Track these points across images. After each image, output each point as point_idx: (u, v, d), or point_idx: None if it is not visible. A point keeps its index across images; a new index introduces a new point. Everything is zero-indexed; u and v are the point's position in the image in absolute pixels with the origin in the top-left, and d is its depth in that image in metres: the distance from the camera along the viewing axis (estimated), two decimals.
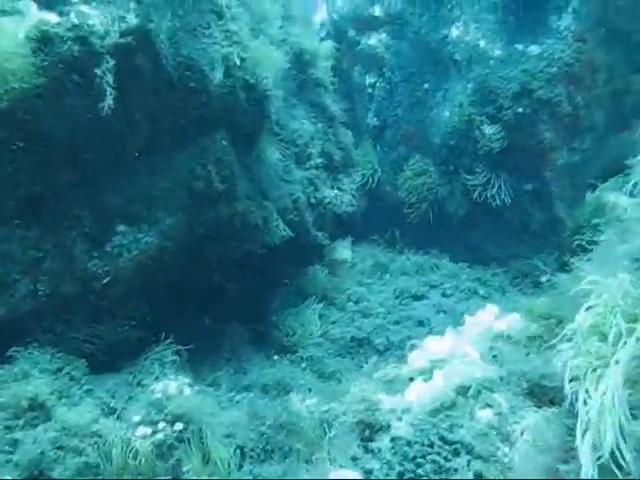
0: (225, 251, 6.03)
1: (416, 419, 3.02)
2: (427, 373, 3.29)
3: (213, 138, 5.58)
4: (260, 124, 5.99)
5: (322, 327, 6.75)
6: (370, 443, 3.07)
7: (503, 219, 8.29)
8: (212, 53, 5.22)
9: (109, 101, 4.58)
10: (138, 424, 4.13)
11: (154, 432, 4.10)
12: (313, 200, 7.06)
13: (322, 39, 8.56)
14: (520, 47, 7.38)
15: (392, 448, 2.99)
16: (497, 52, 7.49)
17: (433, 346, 3.45)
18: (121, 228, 5.27)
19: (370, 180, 8.76)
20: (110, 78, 4.53)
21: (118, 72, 4.61)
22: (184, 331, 5.83)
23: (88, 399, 4.33)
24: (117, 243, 5.26)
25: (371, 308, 7.07)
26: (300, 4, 7.42)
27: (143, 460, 4.01)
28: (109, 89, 4.51)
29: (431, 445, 2.85)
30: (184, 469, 4.07)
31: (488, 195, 8.05)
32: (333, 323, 6.86)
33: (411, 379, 3.35)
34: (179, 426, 4.17)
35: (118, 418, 4.21)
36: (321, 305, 6.97)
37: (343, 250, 7.69)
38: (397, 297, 7.34)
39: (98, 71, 4.51)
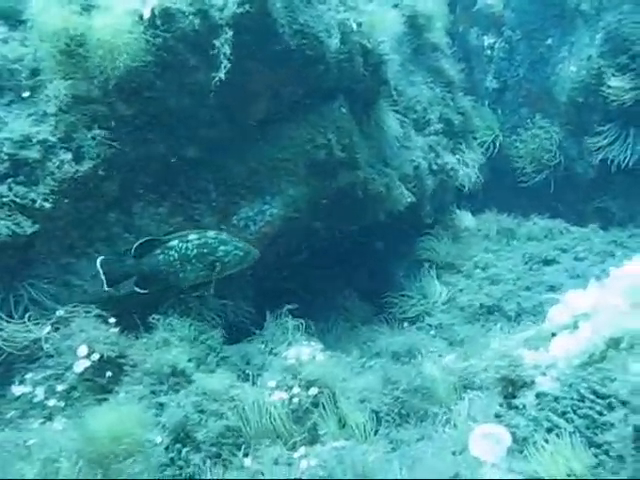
0: (349, 221, 6.01)
1: (563, 374, 2.85)
2: (571, 328, 3.10)
3: (331, 106, 5.54)
4: (378, 90, 5.90)
5: (449, 295, 6.58)
6: (513, 400, 2.94)
7: (638, 178, 7.76)
8: (328, 19, 5.18)
9: (222, 73, 4.63)
10: (274, 389, 4.19)
11: (290, 397, 4.14)
12: (435, 167, 6.89)
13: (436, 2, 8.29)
14: None
15: (538, 404, 2.84)
16: None
17: (575, 300, 3.25)
18: (246, 200, 5.37)
19: (491, 146, 8.45)
20: (228, 49, 4.58)
21: (236, 44, 4.65)
22: (310, 304, 5.89)
23: (224, 366, 4.44)
24: (243, 215, 5.36)
25: (499, 274, 6.82)
26: None
27: (280, 423, 4.07)
28: (225, 61, 4.56)
29: (581, 399, 2.68)
30: (321, 432, 4.09)
31: (621, 154, 7.54)
32: (460, 291, 6.67)
33: (553, 334, 3.17)
34: (314, 391, 4.19)
35: (254, 384, 4.28)
36: (447, 273, 6.80)
37: (466, 218, 7.47)
38: (526, 263, 7.03)
39: (217, 43, 4.57)
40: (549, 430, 2.72)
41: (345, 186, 5.73)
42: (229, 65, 4.61)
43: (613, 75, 7.04)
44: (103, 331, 4.34)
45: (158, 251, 4.85)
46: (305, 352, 4.32)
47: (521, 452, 2.74)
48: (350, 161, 5.67)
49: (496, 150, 8.33)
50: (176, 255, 4.89)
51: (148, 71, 4.47)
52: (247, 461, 3.94)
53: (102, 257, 4.68)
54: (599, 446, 2.55)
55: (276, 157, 5.41)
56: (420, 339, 5.59)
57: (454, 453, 2.93)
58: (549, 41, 7.80)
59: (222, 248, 4.99)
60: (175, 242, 4.88)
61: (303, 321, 5.04)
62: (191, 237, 4.92)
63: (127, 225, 4.91)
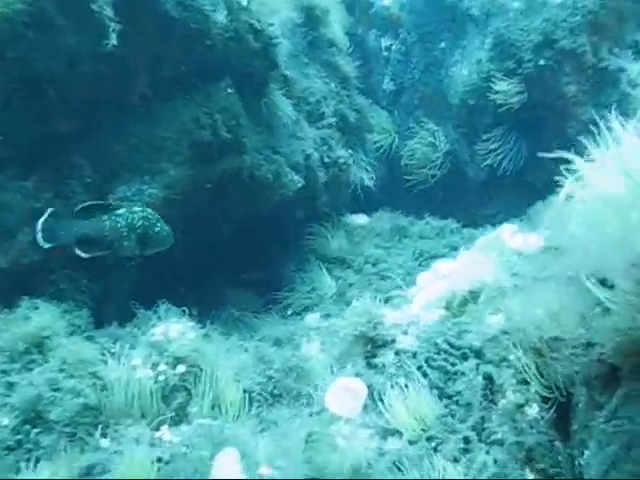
0: (234, 208, 5.85)
1: (422, 330, 2.78)
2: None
3: (218, 86, 5.40)
4: (268, 73, 5.79)
5: (338, 289, 6.52)
6: (373, 359, 2.84)
7: (525, 181, 7.97)
8: None
9: (113, 39, 4.42)
10: (139, 366, 3.95)
11: (156, 375, 3.91)
12: (327, 159, 6.83)
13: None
14: None
15: (397, 362, 2.76)
16: (516, 4, 7.19)
17: (443, 268, 3.21)
18: (123, 179, 5.12)
19: (387, 149, 8.50)
20: (110, 12, 4.36)
21: (116, 10, 4.45)
22: (191, 291, 5.67)
23: (88, 344, 4.15)
24: (120, 195, 5.11)
25: (389, 270, 6.81)
26: None
27: (144, 402, 3.83)
28: (112, 24, 4.35)
29: (438, 352, 2.61)
30: (189, 411, 3.88)
31: (510, 156, 7.74)
32: (350, 285, 6.62)
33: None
34: (181, 368, 3.98)
35: (119, 362, 4.01)
36: (338, 268, 6.73)
37: (360, 215, 7.45)
38: (417, 259, 7.06)
39: (95, 6, 4.35)
40: (405, 385, 2.63)
41: (230, 170, 5.57)
42: (118, 28, 4.39)
43: (500, 79, 7.22)
44: None
45: (105, 217, 4.75)
46: (174, 329, 4.11)
47: (376, 408, 2.63)
48: (236, 144, 5.53)
49: (392, 152, 8.37)
50: (123, 223, 4.80)
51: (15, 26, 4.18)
52: (105, 441, 3.69)
53: (45, 216, 4.58)
54: (450, 396, 2.48)
55: (158, 135, 5.21)
56: (304, 329, 5.46)
57: (311, 414, 2.80)
58: (442, 44, 7.94)
59: (158, 225, 4.96)
60: (123, 210, 4.82)
61: (186, 308, 4.82)
62: (135, 208, 4.89)
63: None
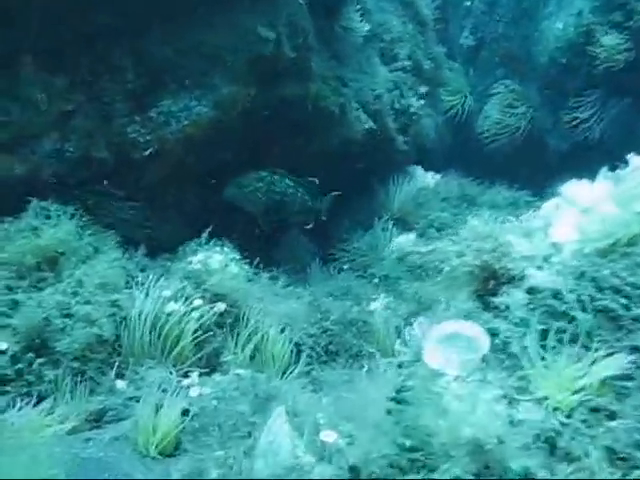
0: (293, 142, 5.06)
1: (569, 265, 1.98)
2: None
3: None
4: None
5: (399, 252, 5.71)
6: (493, 298, 2.05)
7: (613, 157, 7.04)
8: None
9: None
10: (169, 299, 3.21)
11: (189, 311, 3.17)
12: (397, 105, 6.01)
13: None
14: None
15: (529, 303, 1.96)
16: None
17: (579, 192, 2.39)
18: (169, 91, 4.38)
19: (459, 110, 7.64)
20: None
21: None
22: (238, 233, 4.90)
23: (110, 270, 3.41)
24: (164, 109, 4.37)
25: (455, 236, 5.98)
26: None
27: (171, 342, 3.10)
28: None
29: (599, 290, 1.81)
30: (223, 359, 3.14)
31: (600, 126, 6.83)
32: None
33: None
34: (221, 306, 3.23)
35: (146, 292, 3.27)
36: (400, 229, 5.93)
37: (427, 174, 6.62)
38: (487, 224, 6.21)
39: None
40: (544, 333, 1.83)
41: (293, 97, 4.79)
42: None
43: (610, 33, 6.30)
44: None
45: None
46: (216, 259, 3.35)
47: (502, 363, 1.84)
48: (302, 67, 4.76)
49: (465, 113, 7.52)
50: None
51: None
52: (121, 384, 2.96)
53: None
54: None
55: (212, 44, 4.44)
56: (361, 284, 4.70)
57: (400, 365, 2.01)
58: None
59: None
60: None
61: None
62: None
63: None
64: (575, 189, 2.39)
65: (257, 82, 4.59)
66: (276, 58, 4.58)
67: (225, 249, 3.44)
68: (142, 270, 3.59)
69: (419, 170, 6.68)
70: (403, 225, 6.09)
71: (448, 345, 1.91)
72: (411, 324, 3.11)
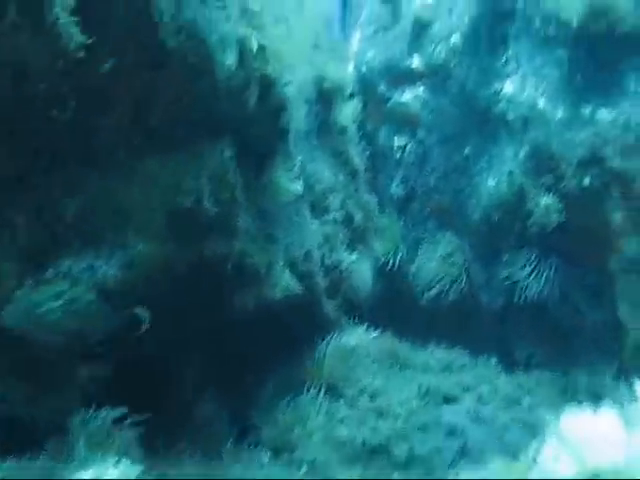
0: (211, 305, 4.50)
1: None
2: None
3: (213, 147, 4.19)
4: (276, 143, 4.64)
5: (327, 426, 5.11)
6: None
7: (549, 317, 6.84)
8: (225, 29, 3.93)
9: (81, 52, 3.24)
10: None
11: None
12: (328, 261, 5.60)
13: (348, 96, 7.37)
14: (588, 110, 6.15)
15: None
16: (559, 114, 6.26)
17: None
18: (71, 248, 3.79)
19: (391, 259, 7.34)
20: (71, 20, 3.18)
21: (86, 20, 3.28)
22: (143, 405, 4.19)
23: None
24: (64, 269, 3.76)
25: (389, 407, 5.47)
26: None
27: None
28: (75, 30, 3.16)
29: None
30: None
31: (534, 285, 6.63)
32: (341, 422, 5.23)
33: None
34: None
35: None
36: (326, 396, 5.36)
37: (358, 332, 6.14)
38: (422, 397, 5.74)
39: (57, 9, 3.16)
40: None
41: (214, 255, 4.28)
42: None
43: (542, 194, 6.20)
44: None
45: None
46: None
47: None
48: (226, 223, 4.28)
49: (397, 264, 7.21)
50: None
51: None
52: None
53: None
54: None
55: (127, 198, 3.93)
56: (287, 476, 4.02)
57: None
58: (467, 149, 6.93)
59: None
60: None
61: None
62: None
63: None
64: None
65: (175, 239, 4.07)
66: (196, 212, 4.09)
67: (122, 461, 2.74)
68: None
69: (350, 327, 6.22)
70: (333, 393, 5.53)
71: None
72: None
